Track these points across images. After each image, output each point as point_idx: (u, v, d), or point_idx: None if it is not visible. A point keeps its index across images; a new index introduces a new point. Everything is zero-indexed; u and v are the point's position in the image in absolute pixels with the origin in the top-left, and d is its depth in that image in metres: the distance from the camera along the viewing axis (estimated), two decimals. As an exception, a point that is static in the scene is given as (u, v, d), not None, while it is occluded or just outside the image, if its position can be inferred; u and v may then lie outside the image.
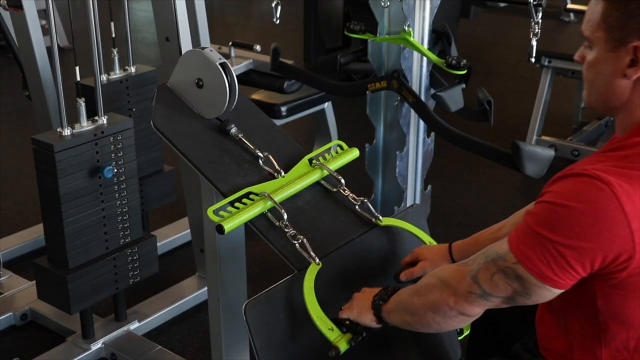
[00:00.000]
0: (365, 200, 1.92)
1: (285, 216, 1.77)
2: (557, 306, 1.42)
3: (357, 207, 1.92)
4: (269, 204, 1.80)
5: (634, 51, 1.26)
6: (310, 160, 1.96)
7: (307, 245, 1.74)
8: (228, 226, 1.72)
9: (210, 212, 1.75)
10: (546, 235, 1.24)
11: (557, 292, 1.29)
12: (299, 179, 1.90)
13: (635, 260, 1.22)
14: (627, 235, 1.20)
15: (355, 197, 1.93)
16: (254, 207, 1.78)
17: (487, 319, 1.68)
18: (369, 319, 1.57)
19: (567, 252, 1.23)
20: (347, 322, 1.60)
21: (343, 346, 1.58)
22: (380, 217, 1.89)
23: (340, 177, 1.93)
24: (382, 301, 1.55)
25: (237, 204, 1.78)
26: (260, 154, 1.92)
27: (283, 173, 1.90)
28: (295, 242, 1.75)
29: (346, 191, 1.93)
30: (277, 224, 1.79)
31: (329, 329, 1.60)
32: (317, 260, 1.73)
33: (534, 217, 1.27)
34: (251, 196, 1.81)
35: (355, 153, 2.04)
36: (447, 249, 1.77)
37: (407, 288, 1.54)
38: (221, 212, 1.75)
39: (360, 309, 1.59)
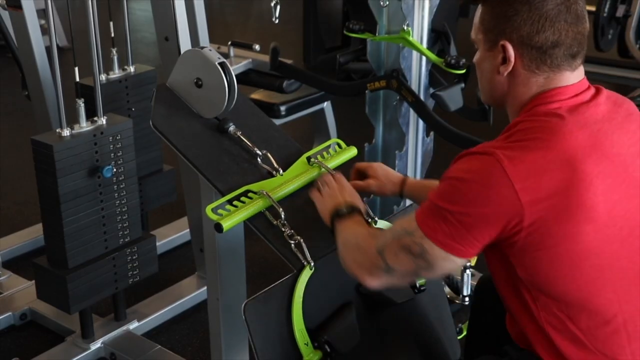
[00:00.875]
0: (364, 199, 1.92)
1: (283, 215, 1.77)
2: (502, 294, 1.50)
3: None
4: (267, 202, 1.80)
5: (502, 49, 1.42)
6: (308, 159, 1.96)
7: (304, 246, 1.73)
8: (226, 224, 1.72)
9: (209, 210, 1.75)
10: (446, 207, 1.36)
11: (460, 262, 1.40)
12: (297, 177, 1.90)
13: (525, 218, 1.32)
14: (512, 195, 1.31)
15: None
16: (252, 206, 1.78)
17: (485, 319, 1.69)
18: (326, 220, 1.71)
19: (465, 220, 1.35)
20: (321, 340, 1.66)
21: None
22: (376, 219, 1.88)
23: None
24: (338, 217, 1.67)
25: (235, 202, 1.78)
26: (258, 151, 1.92)
27: (281, 171, 1.90)
28: (292, 242, 1.75)
29: None
30: (274, 222, 1.78)
31: (305, 343, 1.65)
32: (312, 264, 1.71)
33: (436, 193, 1.40)
34: (249, 194, 1.81)
35: (353, 151, 2.04)
36: (400, 182, 1.89)
37: (354, 226, 1.64)
38: (219, 211, 1.75)
39: (325, 206, 1.73)
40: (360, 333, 1.73)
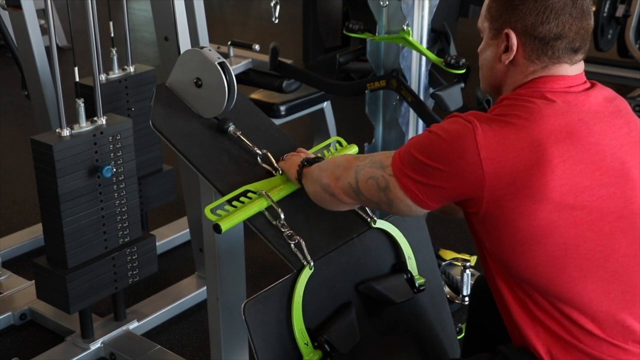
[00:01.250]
0: None
1: (282, 215, 1.77)
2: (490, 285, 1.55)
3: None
4: (267, 202, 1.80)
5: (506, 38, 1.46)
6: None
7: (303, 245, 1.73)
8: (225, 225, 1.72)
9: (207, 211, 1.75)
10: (416, 156, 1.45)
11: (416, 210, 1.50)
12: None
13: (485, 189, 1.39)
14: (476, 162, 1.38)
15: None
16: (251, 206, 1.78)
17: (483, 319, 1.69)
18: (292, 176, 1.80)
19: (430, 172, 1.43)
20: (321, 340, 1.67)
21: None
22: (375, 219, 1.88)
23: None
24: (306, 162, 1.77)
25: (234, 203, 1.78)
26: (258, 151, 1.92)
27: (281, 171, 1.90)
28: (291, 242, 1.75)
29: None
30: (274, 222, 1.78)
31: (305, 343, 1.66)
32: (312, 264, 1.71)
33: (414, 142, 1.49)
34: (249, 194, 1.81)
35: (354, 149, 2.03)
36: None
37: (320, 165, 1.74)
38: (218, 211, 1.75)
39: (291, 163, 1.82)
40: (360, 332, 1.73)
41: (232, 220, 1.73)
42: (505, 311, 1.51)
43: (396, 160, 1.50)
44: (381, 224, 1.88)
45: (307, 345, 1.66)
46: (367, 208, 1.90)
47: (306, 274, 1.70)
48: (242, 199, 1.79)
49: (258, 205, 1.79)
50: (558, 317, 1.43)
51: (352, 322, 1.73)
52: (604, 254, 1.42)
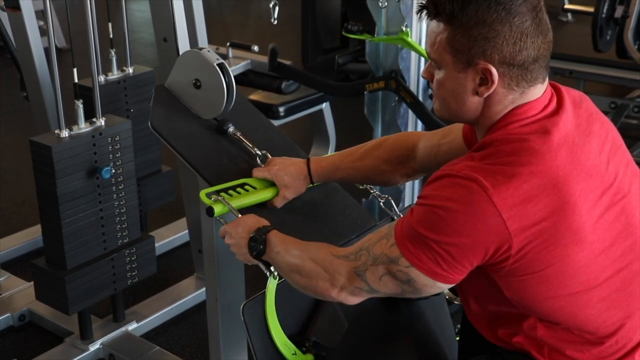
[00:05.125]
0: (390, 198, 1.92)
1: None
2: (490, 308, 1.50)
3: (382, 203, 1.92)
4: (263, 197, 1.79)
5: (482, 72, 1.35)
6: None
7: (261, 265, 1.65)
8: (218, 209, 1.70)
9: (202, 194, 1.73)
10: (430, 237, 1.33)
11: (446, 287, 1.39)
12: None
13: (514, 246, 1.30)
14: (500, 225, 1.29)
15: (380, 194, 1.93)
16: (246, 197, 1.77)
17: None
18: (250, 261, 1.62)
19: (451, 250, 1.32)
20: (308, 344, 1.64)
21: None
22: (401, 216, 1.89)
23: None
24: (257, 251, 1.58)
25: (230, 192, 1.78)
26: (258, 151, 1.92)
27: None
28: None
29: (372, 188, 1.94)
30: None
31: (293, 353, 1.63)
32: (275, 274, 1.63)
33: (417, 219, 1.35)
34: (246, 187, 1.81)
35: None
36: (306, 172, 1.81)
37: (286, 250, 1.55)
38: (213, 197, 1.73)
39: (240, 250, 1.63)
40: (357, 333, 1.73)
41: (226, 204, 1.71)
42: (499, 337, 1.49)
43: (405, 246, 1.36)
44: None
45: (296, 354, 1.63)
46: (393, 205, 1.92)
47: (272, 284, 1.64)
48: (238, 189, 1.79)
49: (254, 198, 1.78)
50: (575, 340, 1.42)
51: (334, 311, 1.70)
52: (621, 277, 1.40)
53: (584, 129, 1.40)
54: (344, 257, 1.47)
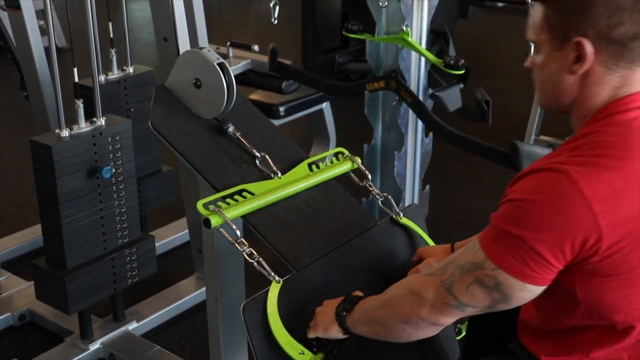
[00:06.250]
0: (389, 196, 1.93)
1: (238, 233, 1.70)
2: (540, 306, 1.43)
3: (380, 202, 1.94)
4: (262, 202, 1.79)
5: (576, 47, 1.31)
6: (310, 166, 1.95)
7: (263, 263, 1.67)
8: (215, 220, 1.70)
9: (200, 205, 1.72)
10: (516, 233, 1.26)
11: (538, 290, 1.30)
12: (296, 182, 1.89)
13: (604, 242, 1.24)
14: (590, 219, 1.22)
15: (379, 192, 1.95)
16: (244, 204, 1.77)
17: (484, 318, 1.68)
18: (335, 332, 1.57)
19: (538, 246, 1.25)
20: (315, 342, 1.60)
21: None
22: (401, 214, 1.91)
23: (367, 171, 1.95)
24: (345, 312, 1.56)
25: (228, 200, 1.78)
26: (257, 153, 1.92)
27: (280, 174, 1.89)
28: (252, 261, 1.68)
29: (372, 186, 1.95)
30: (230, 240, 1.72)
31: (300, 353, 1.59)
32: (277, 279, 1.65)
33: (501, 217, 1.29)
34: (244, 194, 1.81)
35: (355, 162, 2.00)
36: (449, 248, 1.78)
37: (371, 298, 1.54)
38: (210, 207, 1.73)
39: (325, 324, 1.58)
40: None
41: (222, 216, 1.71)
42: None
43: (490, 248, 1.30)
44: (407, 221, 1.91)
45: (304, 354, 1.60)
46: (393, 203, 1.92)
47: (275, 288, 1.65)
48: (236, 197, 1.79)
49: (252, 206, 1.78)
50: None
51: None
52: None
53: None
54: (431, 274, 1.42)
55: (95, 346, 2.56)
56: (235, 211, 1.75)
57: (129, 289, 2.56)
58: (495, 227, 1.30)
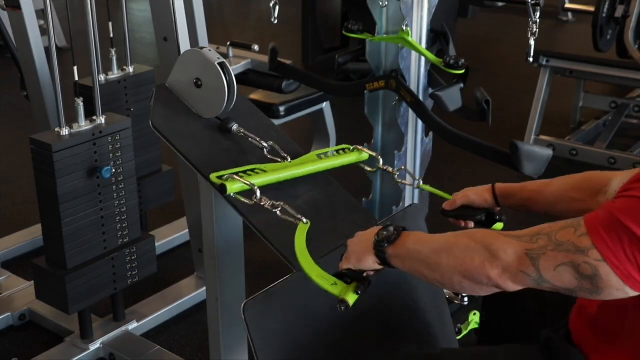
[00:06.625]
0: (403, 168, 2.02)
1: (259, 193, 1.70)
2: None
3: (396, 176, 2.01)
4: (273, 178, 1.82)
5: None
6: (318, 156, 1.97)
7: (288, 208, 1.67)
8: (231, 186, 1.71)
9: (213, 176, 1.75)
10: (636, 231, 1.14)
11: (632, 294, 1.20)
12: (305, 164, 1.91)
13: None
14: None
15: (392, 169, 2.02)
16: (258, 177, 1.79)
17: (503, 300, 1.55)
18: (370, 262, 1.44)
19: None
20: (348, 272, 1.48)
21: (351, 297, 1.44)
22: (421, 181, 1.98)
23: (379, 155, 2.00)
24: (387, 243, 1.41)
25: (241, 174, 1.79)
26: (265, 144, 1.93)
27: (289, 159, 1.91)
28: (276, 210, 1.68)
29: (386, 167, 2.01)
30: (252, 202, 1.72)
31: (332, 284, 1.48)
32: (304, 220, 1.65)
33: (622, 211, 1.17)
34: (256, 170, 1.83)
35: (363, 155, 2.04)
36: (490, 187, 1.74)
37: (425, 237, 1.41)
38: (225, 176, 1.76)
39: (359, 253, 1.46)
40: (358, 332, 1.72)
41: (238, 184, 1.72)
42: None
43: (600, 238, 1.17)
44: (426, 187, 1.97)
45: (336, 284, 1.49)
46: (410, 173, 1.98)
47: (303, 228, 1.65)
48: (249, 172, 1.81)
49: (266, 178, 1.81)
50: None
51: None
52: None
53: None
54: (516, 237, 1.27)
55: (95, 346, 2.56)
56: (250, 181, 1.76)
57: (129, 288, 2.56)
58: (612, 216, 1.18)
